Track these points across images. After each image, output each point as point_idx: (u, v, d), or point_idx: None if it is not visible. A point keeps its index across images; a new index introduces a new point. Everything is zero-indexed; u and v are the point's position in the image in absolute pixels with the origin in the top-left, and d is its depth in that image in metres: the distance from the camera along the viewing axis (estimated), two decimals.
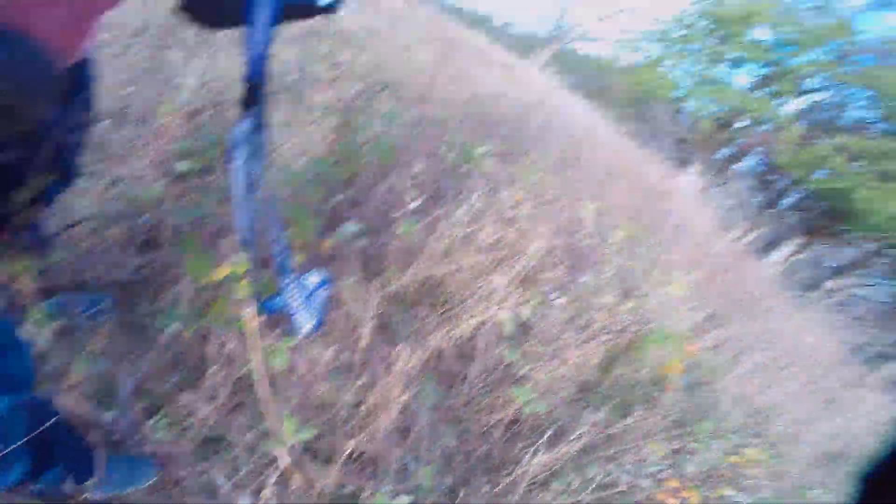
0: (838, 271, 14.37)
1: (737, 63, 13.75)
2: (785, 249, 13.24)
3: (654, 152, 13.52)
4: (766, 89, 13.60)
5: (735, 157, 14.89)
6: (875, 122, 11.92)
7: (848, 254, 12.71)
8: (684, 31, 14.23)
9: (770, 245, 14.46)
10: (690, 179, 14.11)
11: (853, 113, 13.82)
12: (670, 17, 15.19)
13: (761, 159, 13.85)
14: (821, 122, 13.03)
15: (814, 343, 4.57)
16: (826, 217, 11.66)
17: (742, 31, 12.91)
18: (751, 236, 15.42)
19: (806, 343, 4.34)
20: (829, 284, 14.30)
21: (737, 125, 13.68)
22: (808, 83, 13.40)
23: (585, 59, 20.89)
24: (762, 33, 13.46)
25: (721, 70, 13.97)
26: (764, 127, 13.47)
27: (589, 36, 21.97)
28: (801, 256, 13.13)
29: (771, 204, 14.19)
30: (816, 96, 14.56)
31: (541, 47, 23.82)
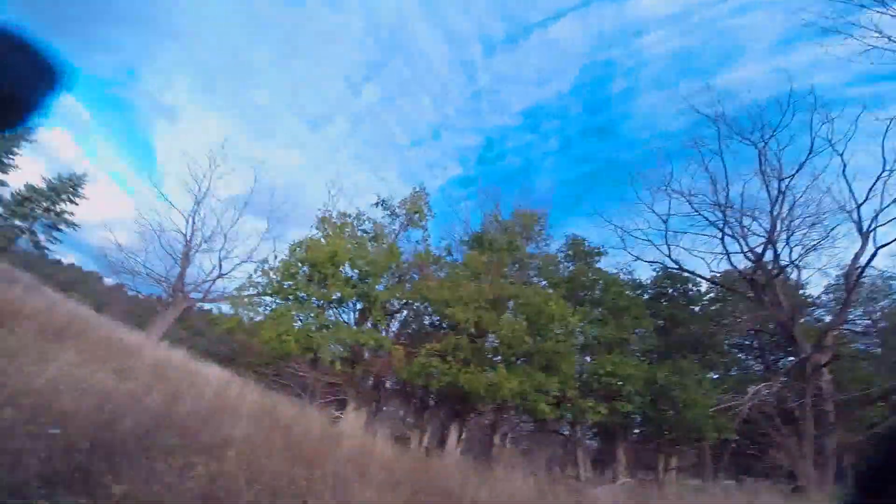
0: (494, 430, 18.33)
1: (340, 304, 16.49)
2: (453, 437, 15.33)
3: (305, 403, 12.95)
4: (367, 323, 16.62)
5: (377, 385, 16.89)
6: (443, 325, 16.69)
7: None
8: (291, 282, 15.93)
9: (442, 439, 16.50)
10: (351, 418, 14.38)
11: (426, 320, 19.21)
12: (277, 266, 16.83)
13: (391, 379, 16.43)
14: (413, 335, 17.20)
15: None
16: (462, 401, 14.46)
17: (333, 271, 15.64)
18: (426, 437, 16.44)
19: None
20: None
21: (365, 357, 15.76)
22: (390, 306, 17.59)
23: (212, 320, 20.03)
24: (345, 270, 16.83)
25: (330, 312, 16.17)
26: (381, 353, 16.21)
27: (211, 296, 21.45)
28: (465, 435, 15.92)
29: (423, 408, 16.61)
30: (399, 315, 19.40)
31: (164, 309, 21.11)
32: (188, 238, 21.54)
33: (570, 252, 20.21)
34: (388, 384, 20.10)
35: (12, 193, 23.04)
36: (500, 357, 14.75)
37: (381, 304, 15.33)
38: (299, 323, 15.68)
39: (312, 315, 15.80)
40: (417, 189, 20.82)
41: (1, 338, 6.44)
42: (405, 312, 18.53)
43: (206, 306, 25.27)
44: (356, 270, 16.22)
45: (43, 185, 23.07)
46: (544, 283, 18.41)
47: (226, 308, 23.54)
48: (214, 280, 22.17)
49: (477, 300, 12.94)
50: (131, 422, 4.36)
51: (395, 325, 18.92)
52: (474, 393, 12.90)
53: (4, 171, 22.39)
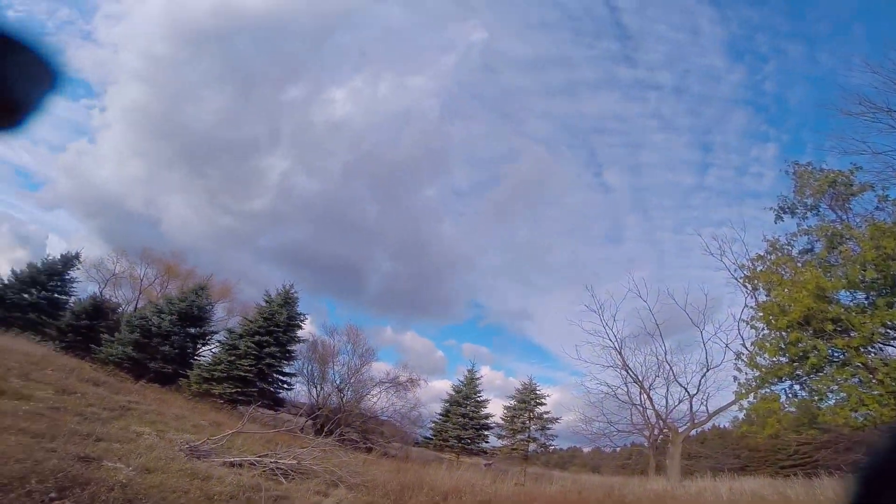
0: None
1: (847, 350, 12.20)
2: None
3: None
4: None
5: None
6: None
7: None
8: (787, 356, 13.00)
9: None
10: None
11: None
12: (753, 351, 14.50)
13: None
14: None
15: None
16: None
17: (835, 309, 12.04)
18: None
19: None
20: None
21: None
22: None
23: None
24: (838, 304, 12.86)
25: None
26: None
27: (698, 419, 20.65)
28: None
29: None
30: None
31: (653, 450, 21.73)
32: (638, 379, 22.27)
33: None
34: None
35: (501, 419, 30.01)
36: None
37: None
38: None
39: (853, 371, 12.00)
40: (800, 166, 16.07)
41: None
42: None
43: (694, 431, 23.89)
44: (857, 289, 12.12)
45: (514, 403, 29.38)
46: None
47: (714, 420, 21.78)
48: (691, 401, 21.16)
49: None
50: None
51: None
52: None
53: (485, 407, 29.88)
